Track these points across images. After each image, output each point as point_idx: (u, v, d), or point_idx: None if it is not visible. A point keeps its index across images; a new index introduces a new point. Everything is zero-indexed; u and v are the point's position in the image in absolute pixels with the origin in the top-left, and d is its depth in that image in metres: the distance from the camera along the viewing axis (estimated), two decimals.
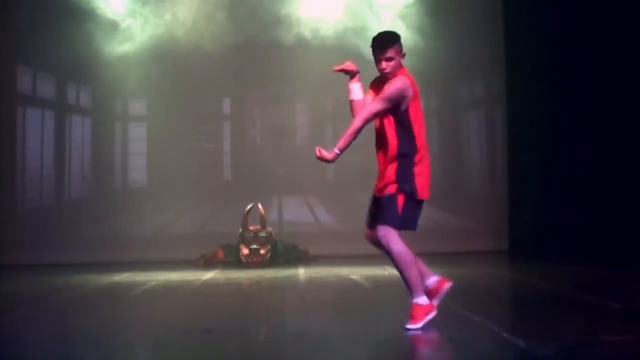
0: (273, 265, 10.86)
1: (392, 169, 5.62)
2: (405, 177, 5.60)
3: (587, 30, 10.87)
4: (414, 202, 5.63)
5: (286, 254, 11.34)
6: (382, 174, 5.69)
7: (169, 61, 12.20)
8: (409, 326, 5.52)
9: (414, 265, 5.57)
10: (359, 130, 5.67)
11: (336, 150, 5.66)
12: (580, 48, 11.02)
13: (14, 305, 7.47)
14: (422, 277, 5.74)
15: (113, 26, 12.26)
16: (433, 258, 11.00)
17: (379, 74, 5.79)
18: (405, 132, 5.63)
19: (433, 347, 5.30)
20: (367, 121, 5.68)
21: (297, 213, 12.84)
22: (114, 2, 12.27)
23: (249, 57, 12.46)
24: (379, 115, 5.67)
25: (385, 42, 5.72)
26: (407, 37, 12.00)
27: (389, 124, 5.65)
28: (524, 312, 6.26)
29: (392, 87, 5.62)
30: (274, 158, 13.11)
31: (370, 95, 5.79)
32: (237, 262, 10.99)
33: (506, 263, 11.17)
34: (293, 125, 13.24)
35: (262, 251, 10.90)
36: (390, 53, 5.68)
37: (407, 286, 5.59)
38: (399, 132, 5.64)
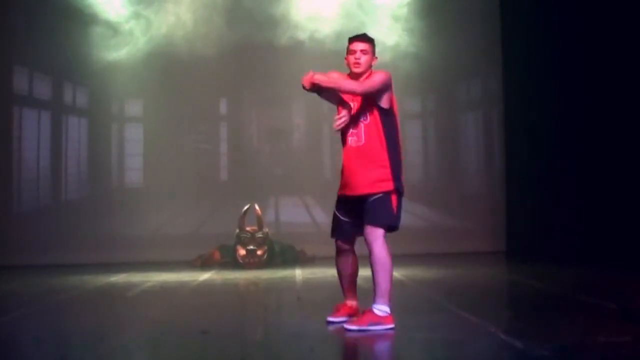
0: (270, 266, 10.86)
1: (384, 167, 5.53)
2: (397, 175, 5.57)
3: (585, 31, 10.87)
4: (401, 200, 5.61)
5: (283, 254, 11.34)
6: (365, 174, 5.55)
7: (165, 62, 12.21)
8: (348, 326, 5.53)
9: (391, 272, 5.55)
10: (341, 91, 5.64)
11: (316, 78, 5.65)
12: (577, 49, 11.01)
13: (11, 307, 7.45)
14: (350, 296, 5.85)
15: (109, 28, 12.26)
16: (431, 259, 11.11)
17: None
18: (392, 129, 5.57)
19: (431, 348, 5.29)
20: (353, 91, 5.58)
21: (293, 214, 12.83)
22: (112, 5, 12.27)
23: (245, 58, 12.46)
24: (367, 95, 5.54)
25: (364, 35, 5.69)
26: (404, 38, 11.99)
27: (375, 121, 5.56)
28: (521, 313, 6.25)
29: (377, 77, 5.55)
30: (271, 159, 13.10)
31: None
32: (234, 263, 10.98)
33: (503, 264, 11.16)
34: (290, 126, 13.23)
35: (258, 252, 10.89)
36: (367, 47, 5.64)
37: (377, 290, 5.55)
38: (387, 130, 5.56)
